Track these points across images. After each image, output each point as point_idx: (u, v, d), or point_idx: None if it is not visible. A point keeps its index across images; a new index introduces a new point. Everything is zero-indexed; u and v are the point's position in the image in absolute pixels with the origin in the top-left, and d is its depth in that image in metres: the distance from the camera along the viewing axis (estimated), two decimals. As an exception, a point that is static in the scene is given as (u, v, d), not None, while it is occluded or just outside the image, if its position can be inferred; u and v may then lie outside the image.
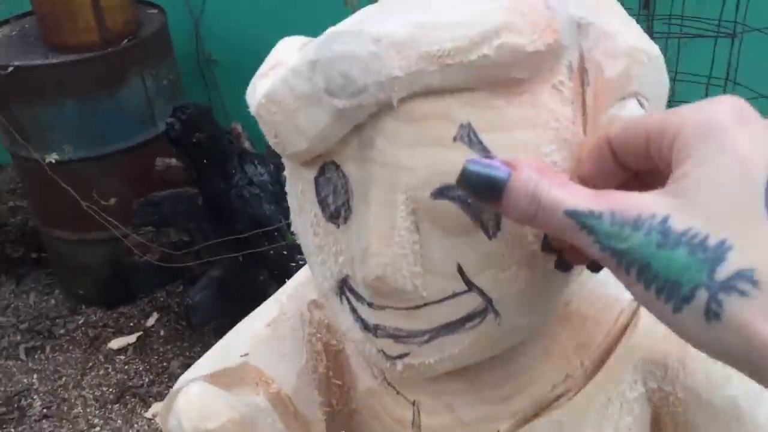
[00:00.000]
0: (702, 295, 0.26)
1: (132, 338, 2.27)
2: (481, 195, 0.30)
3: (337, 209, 0.35)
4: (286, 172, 0.38)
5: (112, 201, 2.11)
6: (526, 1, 0.31)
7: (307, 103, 0.32)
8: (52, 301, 2.46)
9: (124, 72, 2.10)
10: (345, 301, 0.37)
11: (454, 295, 0.34)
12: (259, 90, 0.34)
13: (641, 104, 0.37)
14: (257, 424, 0.39)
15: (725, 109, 0.28)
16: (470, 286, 0.34)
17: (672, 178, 0.28)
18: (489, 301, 0.34)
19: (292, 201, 0.39)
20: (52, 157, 2.08)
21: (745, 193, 0.26)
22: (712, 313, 0.25)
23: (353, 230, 0.35)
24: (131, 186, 2.14)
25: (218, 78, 2.63)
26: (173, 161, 2.06)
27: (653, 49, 0.36)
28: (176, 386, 0.42)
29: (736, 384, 0.40)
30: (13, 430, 2.01)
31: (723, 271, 0.25)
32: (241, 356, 0.43)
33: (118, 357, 2.22)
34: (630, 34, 0.35)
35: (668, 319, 0.27)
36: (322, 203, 0.36)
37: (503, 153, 0.32)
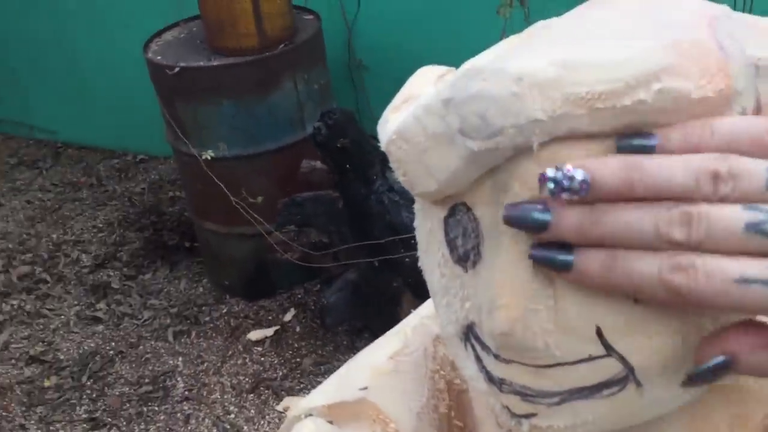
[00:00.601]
0: None
1: (270, 331, 2.36)
2: None
3: (466, 252, 0.33)
4: (415, 207, 0.36)
5: (259, 199, 2.20)
6: (694, 41, 0.27)
7: (439, 143, 0.30)
8: (200, 289, 2.60)
9: (278, 76, 2.18)
10: (470, 348, 0.35)
11: (591, 358, 0.31)
12: (390, 124, 0.33)
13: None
14: (371, 466, 0.37)
15: None
16: (610, 350, 0.31)
17: None
18: (630, 369, 0.31)
19: (420, 238, 0.37)
20: (208, 154, 2.20)
21: None
22: None
23: (482, 277, 0.32)
24: (278, 185, 2.22)
25: (367, 84, 2.68)
26: (318, 164, 2.12)
27: None
28: (294, 413, 0.42)
29: None
30: (156, 408, 2.15)
31: None
32: (360, 389, 0.42)
33: (255, 348, 2.31)
34: None
35: None
36: (451, 244, 0.34)
37: None
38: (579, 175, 0.28)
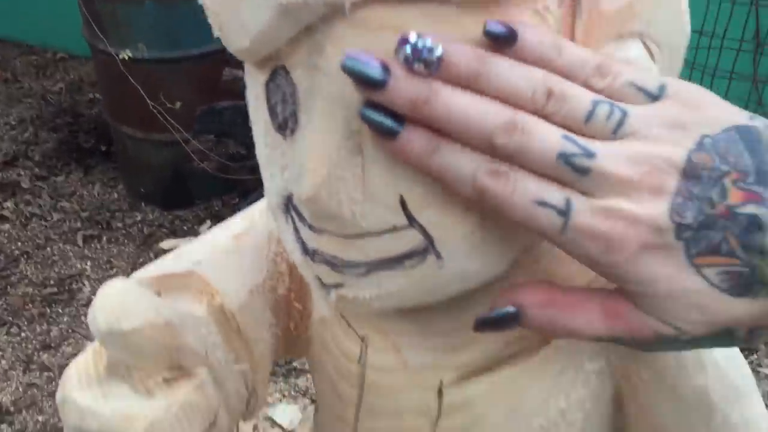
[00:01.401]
0: None
1: (183, 242, 2.32)
2: (498, 327, 0.33)
3: (285, 119, 0.33)
4: (245, 73, 0.35)
5: (178, 105, 2.13)
6: None
7: None
8: (115, 195, 2.54)
9: (204, -24, 2.10)
10: (290, 221, 0.35)
11: (395, 229, 0.31)
12: (208, -23, 0.31)
13: (648, 47, 0.32)
14: (187, 333, 0.37)
15: None
16: (411, 221, 0.31)
17: None
18: (431, 241, 0.31)
19: (249, 107, 0.36)
20: (126, 54, 2.11)
21: None
22: None
23: (297, 144, 0.32)
24: (198, 93, 2.16)
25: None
26: (240, 73, 2.06)
27: None
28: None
29: (711, 374, 0.36)
30: (60, 310, 2.11)
31: None
32: (193, 263, 0.41)
33: (167, 257, 2.29)
34: None
35: None
36: (272, 111, 0.33)
37: None
38: (438, 50, 0.28)
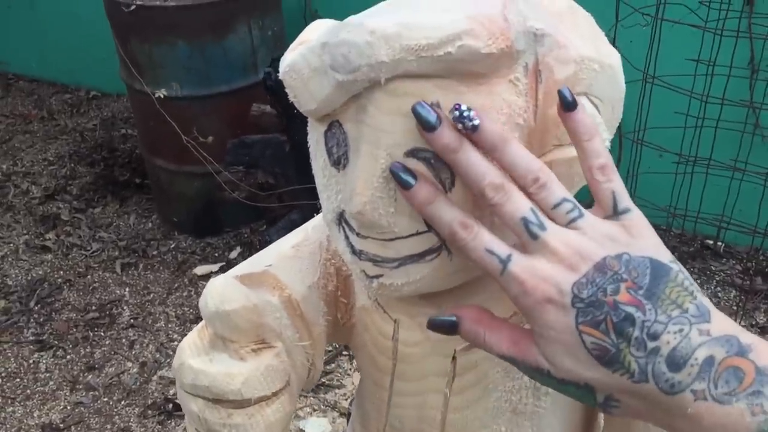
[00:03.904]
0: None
1: (215, 267, 2.47)
2: (445, 332, 0.45)
3: (338, 158, 0.46)
4: (308, 125, 0.49)
5: (210, 139, 2.29)
6: (487, 14, 0.40)
7: (317, 74, 0.43)
8: (149, 225, 2.70)
9: (233, 19, 2.26)
10: (341, 230, 0.48)
11: (418, 233, 0.45)
12: (286, 60, 0.45)
13: (592, 102, 0.45)
14: (267, 315, 0.51)
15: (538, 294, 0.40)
16: (430, 227, 0.44)
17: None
18: (443, 241, 0.44)
19: (311, 148, 0.49)
20: (161, 92, 2.27)
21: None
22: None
23: (348, 175, 0.45)
24: (228, 127, 2.31)
25: (320, 33, 2.76)
26: (268, 108, 2.22)
27: (609, 59, 0.45)
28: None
29: None
30: (102, 333, 2.26)
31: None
32: (266, 266, 0.55)
33: (201, 282, 2.43)
34: (585, 45, 0.44)
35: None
36: (329, 152, 0.47)
37: None
38: (476, 121, 0.41)
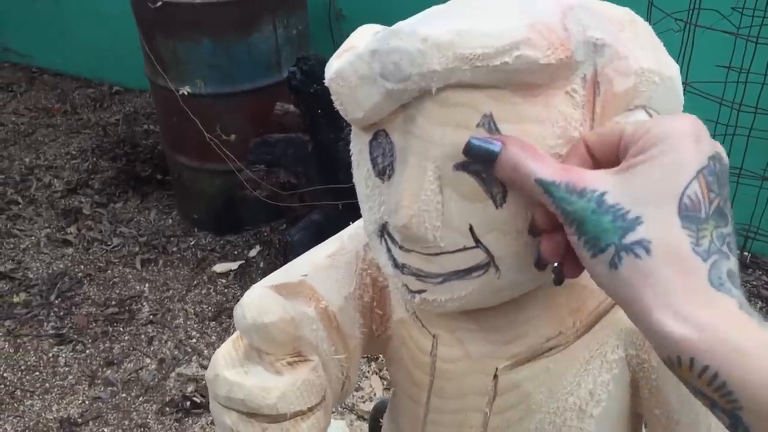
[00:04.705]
0: (611, 250, 0.35)
1: (234, 265, 2.47)
2: (480, 161, 0.40)
3: (383, 168, 0.45)
4: (351, 132, 0.48)
5: (232, 137, 2.28)
6: (546, 22, 0.38)
7: (366, 82, 0.42)
8: (170, 221, 2.70)
9: (258, 17, 2.25)
10: (383, 243, 0.46)
11: (465, 249, 0.43)
12: (333, 67, 0.44)
13: (650, 115, 0.43)
14: (303, 328, 0.49)
15: (684, 124, 0.35)
16: (478, 243, 0.42)
17: (623, 163, 0.36)
18: (491, 257, 0.43)
19: (353, 157, 0.48)
20: (185, 89, 2.27)
21: (669, 188, 0.34)
22: (614, 264, 0.35)
23: (393, 186, 0.44)
24: (251, 125, 2.31)
25: (345, 34, 2.72)
26: (291, 107, 2.21)
27: (669, 70, 0.43)
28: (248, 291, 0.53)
29: None
30: (121, 328, 2.26)
31: (630, 237, 0.34)
32: (302, 276, 0.53)
33: (220, 280, 2.42)
34: (645, 57, 0.42)
35: (587, 263, 0.37)
36: (374, 162, 0.45)
37: None
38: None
